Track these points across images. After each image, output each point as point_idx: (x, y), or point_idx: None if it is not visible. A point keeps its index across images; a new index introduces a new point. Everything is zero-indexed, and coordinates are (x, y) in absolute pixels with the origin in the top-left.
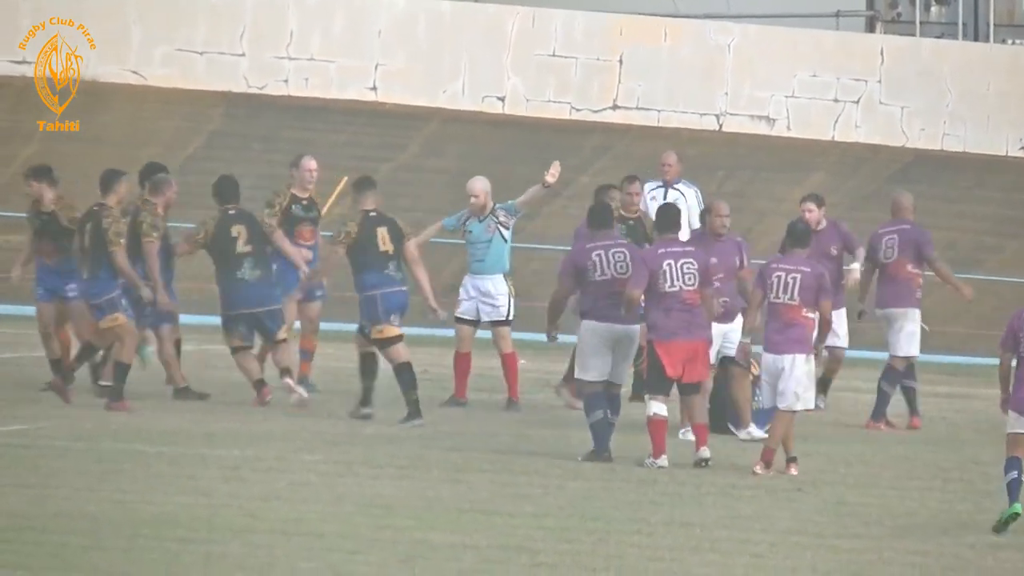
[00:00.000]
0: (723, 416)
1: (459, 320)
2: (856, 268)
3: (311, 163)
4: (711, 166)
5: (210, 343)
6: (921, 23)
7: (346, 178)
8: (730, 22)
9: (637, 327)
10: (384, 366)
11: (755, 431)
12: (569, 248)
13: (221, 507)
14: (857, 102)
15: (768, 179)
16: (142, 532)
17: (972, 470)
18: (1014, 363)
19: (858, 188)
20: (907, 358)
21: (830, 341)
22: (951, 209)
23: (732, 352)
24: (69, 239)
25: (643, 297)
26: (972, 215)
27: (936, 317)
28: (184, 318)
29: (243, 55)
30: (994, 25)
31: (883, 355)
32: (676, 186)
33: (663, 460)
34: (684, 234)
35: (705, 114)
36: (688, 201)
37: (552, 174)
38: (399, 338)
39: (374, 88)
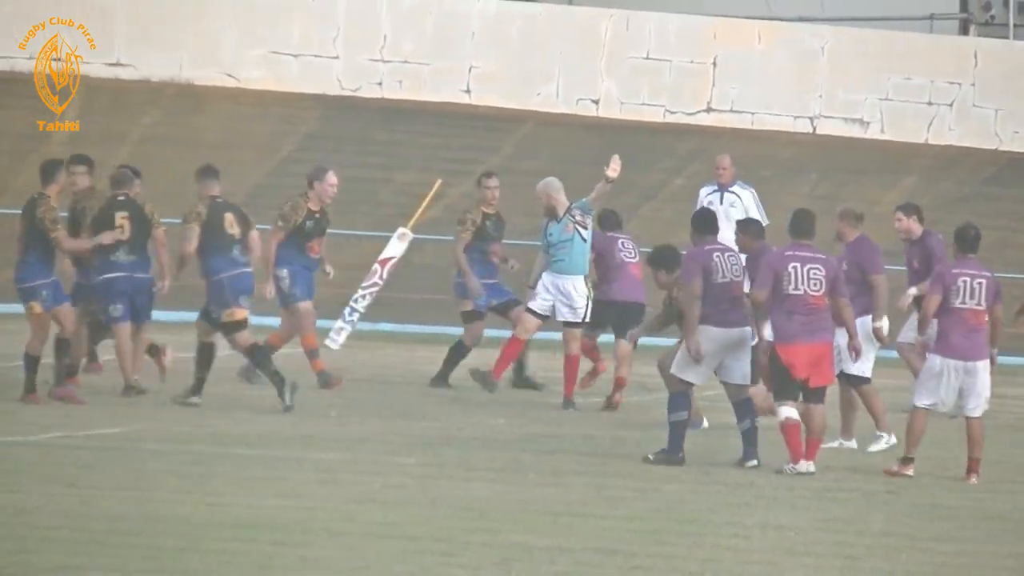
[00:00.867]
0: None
1: (531, 312)
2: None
3: (334, 178)
4: (804, 169)
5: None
6: (1015, 26)
7: (440, 181)
8: (824, 25)
9: (749, 329)
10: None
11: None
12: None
13: (316, 510)
14: (950, 105)
15: (861, 182)
16: (237, 535)
17: None
18: None
19: (951, 191)
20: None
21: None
22: None
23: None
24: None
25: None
26: None
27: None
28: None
29: (337, 58)
30: None
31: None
32: (731, 189)
33: (803, 466)
34: (727, 236)
35: (799, 117)
36: (744, 203)
37: (613, 168)
38: (245, 322)
39: (468, 91)
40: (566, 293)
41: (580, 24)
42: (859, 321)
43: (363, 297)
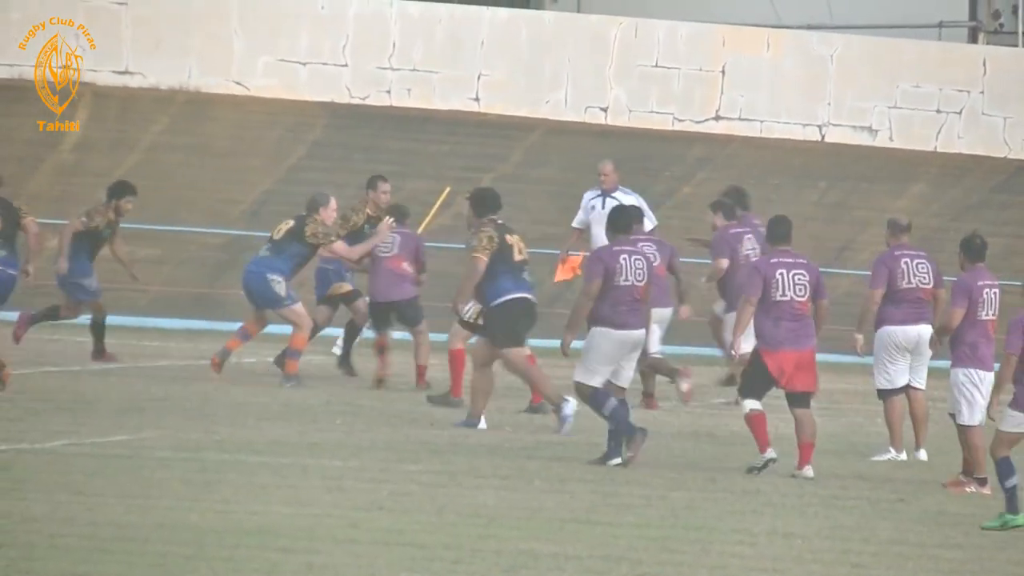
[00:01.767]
0: None
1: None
2: None
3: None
4: (813, 176)
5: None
6: None
7: (448, 188)
8: (832, 32)
9: (644, 332)
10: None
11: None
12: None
13: (323, 517)
14: (959, 113)
15: (870, 190)
16: (244, 542)
17: None
18: None
19: (959, 199)
20: None
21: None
22: None
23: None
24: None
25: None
26: None
27: None
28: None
29: (346, 66)
30: None
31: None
32: (614, 195)
33: (770, 452)
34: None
35: (808, 124)
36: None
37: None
38: (351, 293)
39: (476, 98)
40: None
41: (589, 32)
42: (900, 330)
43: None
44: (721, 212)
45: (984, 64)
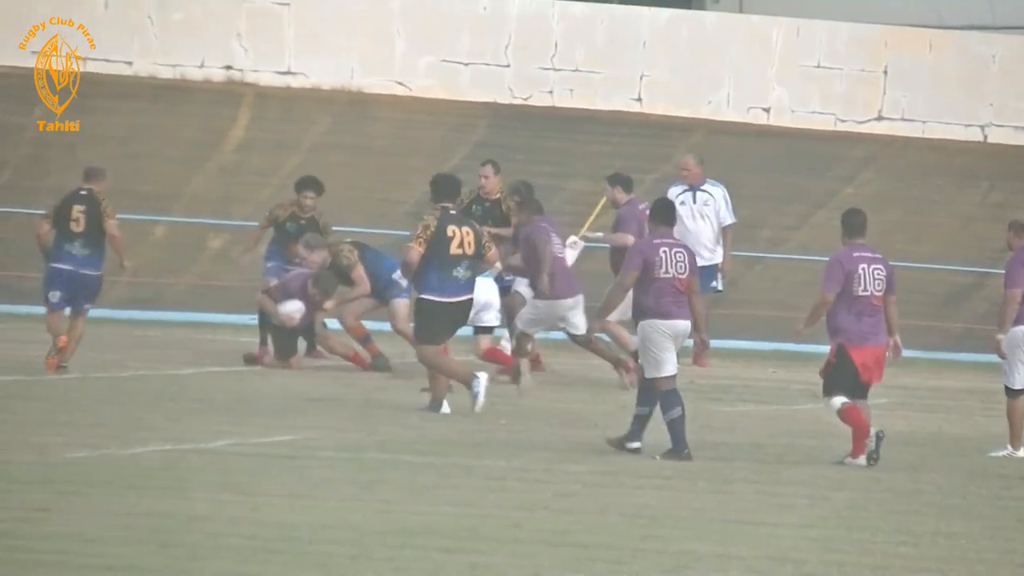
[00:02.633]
0: None
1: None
2: None
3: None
4: (976, 177)
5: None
6: None
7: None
8: (994, 33)
9: (689, 322)
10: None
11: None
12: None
13: (486, 517)
14: None
15: None
16: (408, 542)
17: None
18: None
19: None
20: None
21: None
22: None
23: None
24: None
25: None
26: None
27: None
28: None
29: (508, 66)
30: None
31: None
32: (703, 188)
33: (873, 431)
34: (704, 233)
35: (970, 125)
36: (716, 200)
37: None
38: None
39: (639, 99)
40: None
41: (751, 32)
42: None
43: None
44: (620, 186)
45: None
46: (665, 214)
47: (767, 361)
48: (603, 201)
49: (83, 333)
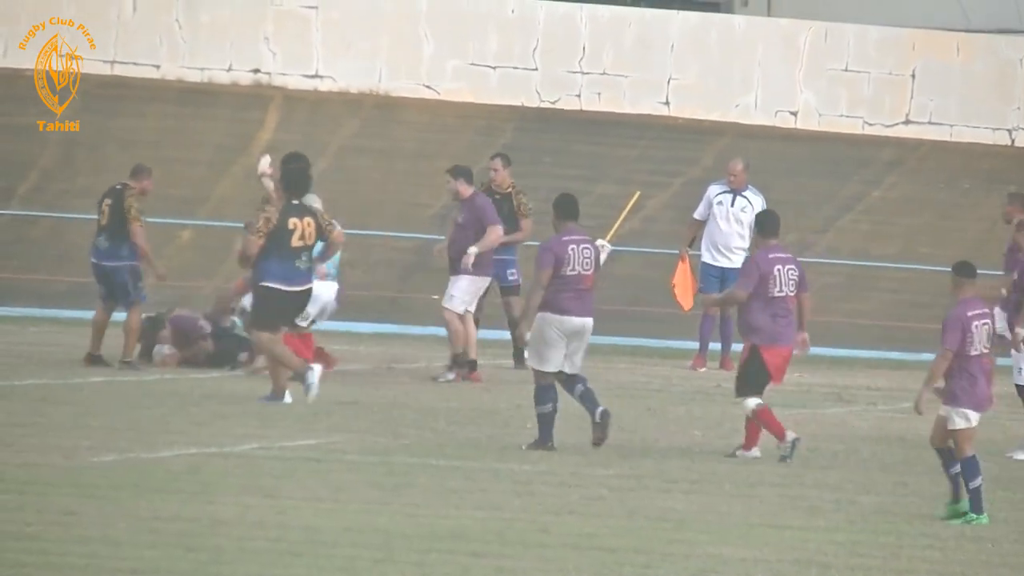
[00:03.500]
0: None
1: None
2: None
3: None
4: (1003, 180)
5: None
6: None
7: (639, 193)
8: (1022, 36)
9: (591, 319)
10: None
11: None
12: (846, 261)
13: (513, 521)
14: None
15: None
16: (434, 546)
17: None
18: None
19: None
20: None
21: None
22: None
23: None
24: None
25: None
26: None
27: None
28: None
29: (535, 69)
30: None
31: None
32: (744, 194)
33: (791, 435)
34: (735, 238)
35: (997, 129)
36: (755, 208)
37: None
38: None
39: (666, 102)
40: None
41: (779, 35)
42: None
43: None
44: (463, 178)
45: None
46: (570, 208)
47: (792, 365)
48: (631, 204)
49: (135, 326)
